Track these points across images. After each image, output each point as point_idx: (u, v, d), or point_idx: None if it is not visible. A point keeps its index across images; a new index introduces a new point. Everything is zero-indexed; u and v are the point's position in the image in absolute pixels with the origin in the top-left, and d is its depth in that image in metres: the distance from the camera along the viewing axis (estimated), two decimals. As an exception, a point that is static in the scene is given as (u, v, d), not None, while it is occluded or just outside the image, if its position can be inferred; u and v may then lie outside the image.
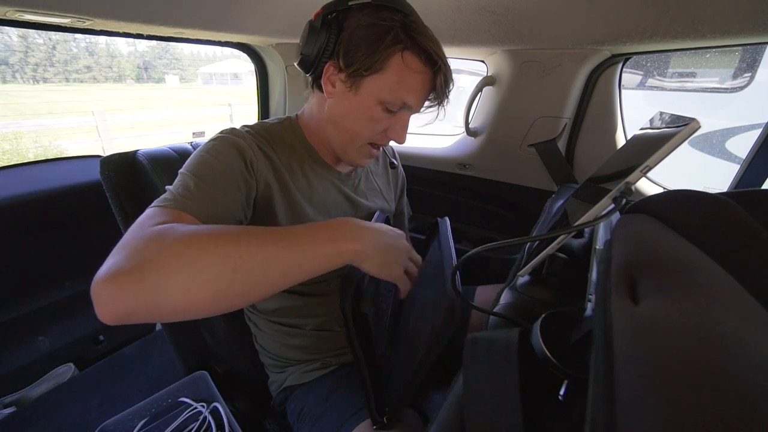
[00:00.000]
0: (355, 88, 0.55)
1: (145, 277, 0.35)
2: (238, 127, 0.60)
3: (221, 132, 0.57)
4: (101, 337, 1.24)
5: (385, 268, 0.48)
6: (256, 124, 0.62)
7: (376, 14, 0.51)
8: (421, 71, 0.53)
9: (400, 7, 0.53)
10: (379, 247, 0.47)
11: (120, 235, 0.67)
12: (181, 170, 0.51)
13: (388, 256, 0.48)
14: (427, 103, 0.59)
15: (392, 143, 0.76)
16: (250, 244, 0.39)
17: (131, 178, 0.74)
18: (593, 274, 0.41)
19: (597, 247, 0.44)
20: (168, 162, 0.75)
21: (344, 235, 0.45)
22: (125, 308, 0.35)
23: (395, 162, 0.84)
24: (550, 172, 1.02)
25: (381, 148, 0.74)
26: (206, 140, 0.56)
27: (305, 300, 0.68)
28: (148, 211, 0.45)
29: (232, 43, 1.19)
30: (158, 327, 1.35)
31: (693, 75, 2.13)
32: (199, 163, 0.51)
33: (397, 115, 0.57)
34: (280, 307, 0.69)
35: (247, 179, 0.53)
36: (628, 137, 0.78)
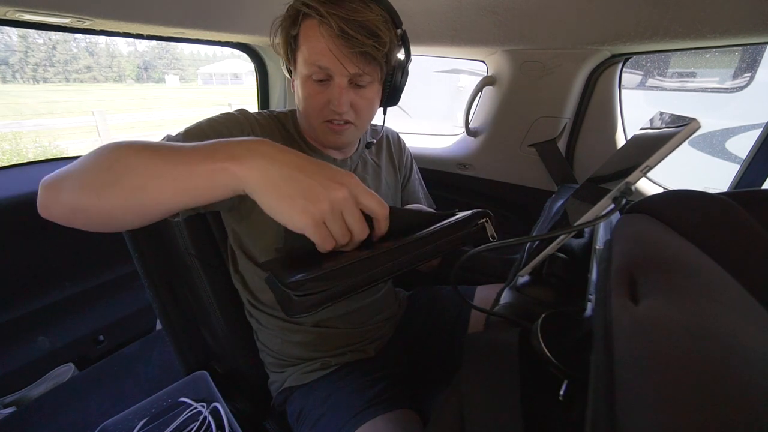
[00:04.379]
0: (295, 75, 0.60)
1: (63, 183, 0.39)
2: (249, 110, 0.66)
3: (233, 111, 0.64)
4: (101, 337, 1.24)
5: (285, 204, 0.34)
6: (264, 111, 0.68)
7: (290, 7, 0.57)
8: (319, 34, 0.53)
9: None
10: (283, 172, 0.34)
11: (119, 234, 0.67)
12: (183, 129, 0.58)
13: (296, 187, 0.34)
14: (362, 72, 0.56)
15: (391, 130, 0.82)
16: (148, 155, 0.37)
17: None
18: (593, 274, 0.41)
19: (597, 247, 0.44)
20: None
21: (233, 150, 0.35)
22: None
23: (373, 141, 0.75)
24: (550, 172, 1.02)
25: (387, 137, 0.80)
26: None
27: None
28: None
29: (232, 43, 1.19)
30: (158, 327, 1.35)
31: (693, 75, 2.13)
32: (194, 126, 0.57)
33: (330, 84, 0.57)
34: None
35: None
36: (628, 137, 0.78)
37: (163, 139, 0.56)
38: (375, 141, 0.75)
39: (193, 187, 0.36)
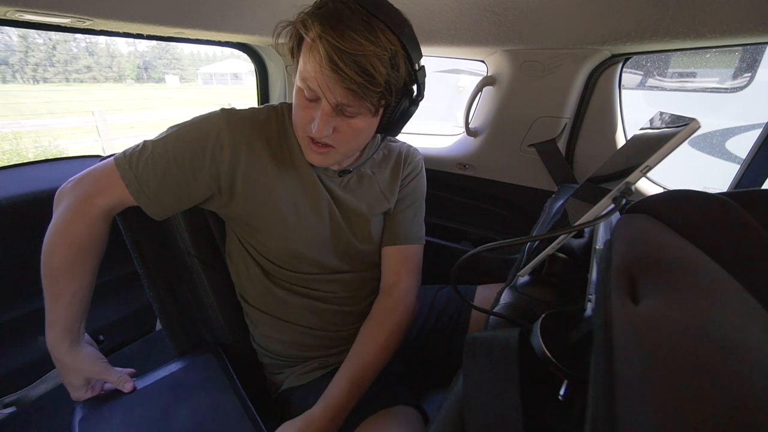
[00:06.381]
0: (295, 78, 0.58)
1: None
2: (239, 107, 0.64)
3: (211, 114, 0.62)
4: (101, 337, 1.24)
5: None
6: (262, 107, 0.66)
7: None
8: (311, 55, 0.50)
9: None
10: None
11: (119, 234, 0.67)
12: (156, 138, 0.60)
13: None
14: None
15: (404, 144, 0.79)
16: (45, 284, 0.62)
17: (131, 178, 0.74)
18: (593, 274, 0.41)
19: (597, 247, 0.44)
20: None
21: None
22: None
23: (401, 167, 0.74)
24: (550, 172, 1.02)
25: (400, 153, 0.76)
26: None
27: (293, 297, 0.69)
28: (103, 169, 0.59)
29: (232, 43, 1.19)
30: (158, 327, 1.35)
31: (693, 75, 2.13)
32: (160, 149, 0.58)
33: (317, 104, 0.54)
34: (269, 300, 0.70)
35: (202, 174, 0.60)
36: (628, 137, 0.78)
37: (139, 145, 0.60)
38: (375, 154, 0.72)
39: None
